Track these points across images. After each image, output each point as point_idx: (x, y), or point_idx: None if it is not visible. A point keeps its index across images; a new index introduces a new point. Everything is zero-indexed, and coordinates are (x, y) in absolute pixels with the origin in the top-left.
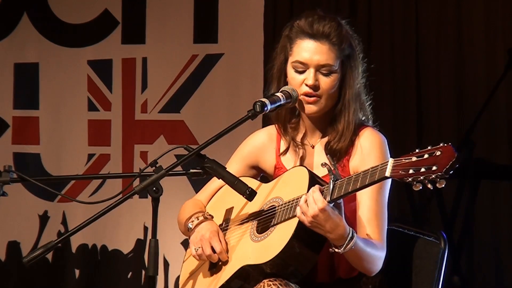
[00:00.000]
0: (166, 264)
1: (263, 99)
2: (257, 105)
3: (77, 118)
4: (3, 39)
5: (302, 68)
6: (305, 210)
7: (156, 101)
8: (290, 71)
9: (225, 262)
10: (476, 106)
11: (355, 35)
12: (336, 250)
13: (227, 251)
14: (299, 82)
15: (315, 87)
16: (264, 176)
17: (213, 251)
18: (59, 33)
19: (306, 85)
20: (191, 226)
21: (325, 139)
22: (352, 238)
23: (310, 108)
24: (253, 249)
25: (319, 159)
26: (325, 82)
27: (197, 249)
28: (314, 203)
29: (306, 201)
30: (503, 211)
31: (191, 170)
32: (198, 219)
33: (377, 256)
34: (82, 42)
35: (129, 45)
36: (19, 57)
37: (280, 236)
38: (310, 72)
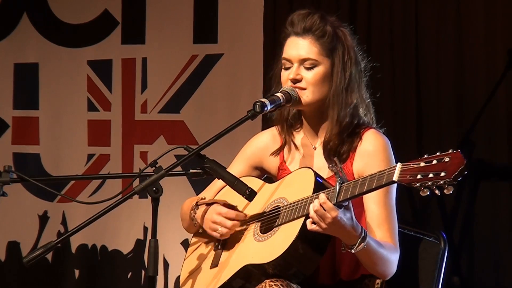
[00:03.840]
0: (166, 264)
1: (263, 99)
2: (257, 105)
3: (77, 118)
4: (3, 39)
5: (288, 65)
6: (318, 221)
7: (156, 101)
8: (282, 70)
9: (227, 260)
10: (476, 106)
11: (346, 30)
12: (348, 250)
13: (230, 248)
14: (285, 78)
15: (296, 80)
16: (268, 177)
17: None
18: (59, 33)
19: (289, 79)
20: (194, 216)
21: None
22: (364, 237)
23: (297, 102)
24: (256, 248)
25: (319, 160)
26: (309, 75)
27: (221, 229)
28: (327, 212)
29: (316, 211)
30: (503, 211)
31: (191, 170)
32: (196, 212)
33: (390, 258)
34: (82, 42)
35: (129, 45)
36: (19, 57)
37: (285, 236)
38: (293, 67)
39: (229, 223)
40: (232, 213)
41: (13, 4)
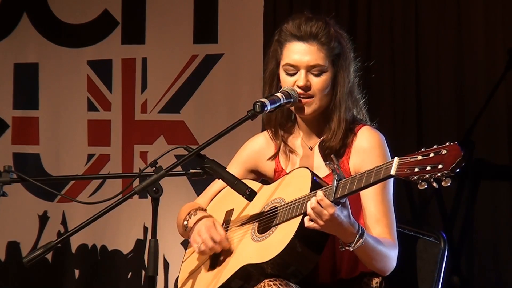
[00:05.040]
0: (166, 264)
1: (263, 99)
2: (257, 105)
3: (77, 118)
4: (3, 39)
5: (293, 70)
6: (315, 218)
7: (156, 101)
8: (282, 74)
9: (226, 261)
10: (476, 106)
11: (344, 33)
12: (347, 248)
13: (229, 246)
14: (290, 84)
15: (306, 88)
16: (264, 180)
17: (214, 242)
18: (59, 33)
19: (298, 86)
20: (186, 224)
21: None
22: (362, 234)
23: (305, 110)
24: (254, 248)
25: (318, 160)
26: (317, 82)
27: (199, 245)
28: (324, 209)
29: (313, 208)
30: (503, 211)
31: (191, 170)
32: (191, 217)
33: (389, 254)
34: (82, 42)
35: (129, 45)
36: (19, 57)
37: (282, 235)
38: (301, 74)
39: (210, 244)
40: (218, 236)
41: (13, 4)
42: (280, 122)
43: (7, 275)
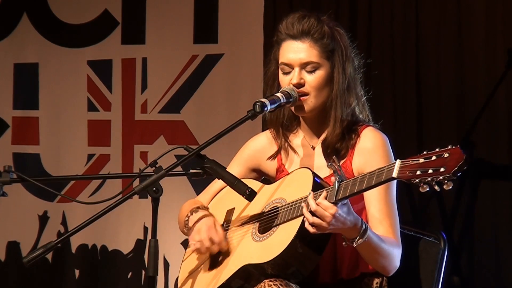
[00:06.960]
0: (166, 264)
1: (263, 99)
2: (257, 106)
3: (77, 118)
4: (3, 39)
5: (288, 69)
6: (319, 223)
7: (156, 101)
8: (279, 74)
9: (226, 260)
10: (476, 106)
11: (341, 30)
12: (350, 243)
13: (228, 247)
14: (286, 83)
15: (299, 85)
16: (265, 179)
17: (212, 243)
18: (59, 33)
19: (292, 84)
20: (187, 221)
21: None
22: (365, 230)
23: (300, 108)
24: (255, 248)
25: (319, 160)
26: (311, 79)
27: (196, 243)
28: (326, 211)
29: (315, 210)
30: (503, 211)
31: (191, 170)
32: (192, 214)
33: (392, 253)
34: (82, 42)
35: (129, 45)
36: (19, 57)
37: (283, 236)
38: (295, 72)
39: (207, 244)
40: (216, 237)
41: (13, 4)
42: (282, 122)
43: (7, 275)
